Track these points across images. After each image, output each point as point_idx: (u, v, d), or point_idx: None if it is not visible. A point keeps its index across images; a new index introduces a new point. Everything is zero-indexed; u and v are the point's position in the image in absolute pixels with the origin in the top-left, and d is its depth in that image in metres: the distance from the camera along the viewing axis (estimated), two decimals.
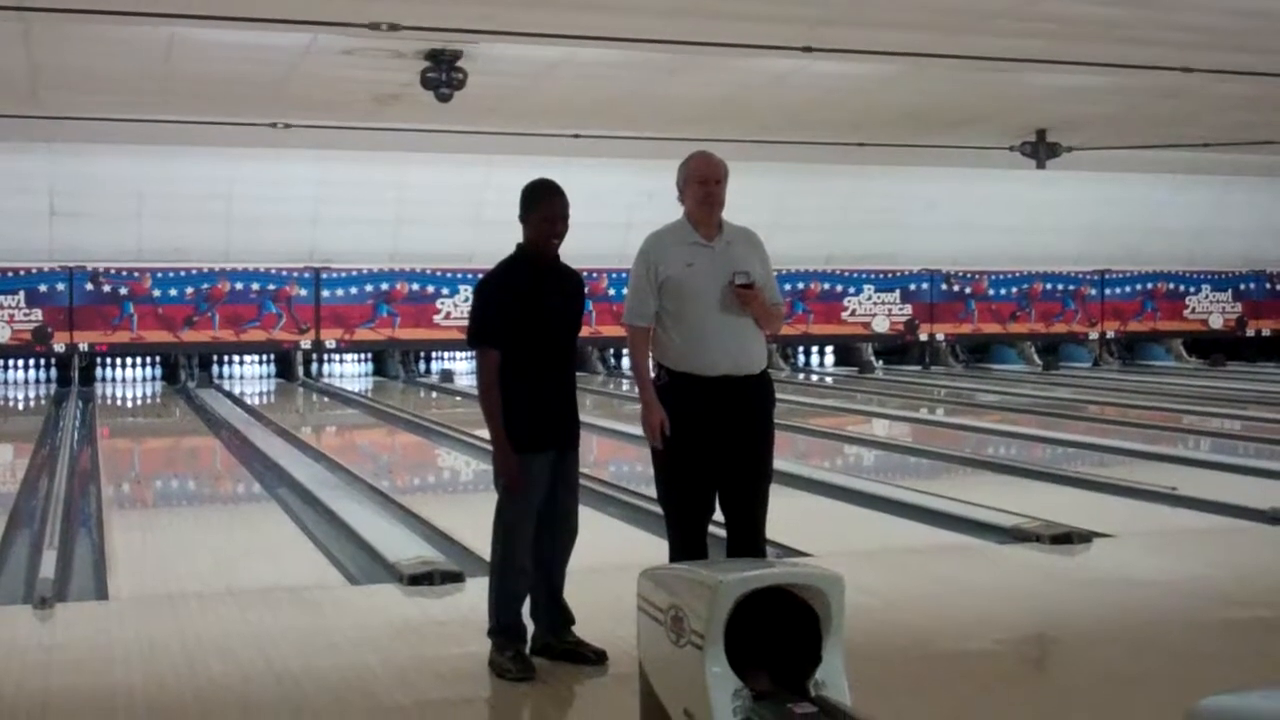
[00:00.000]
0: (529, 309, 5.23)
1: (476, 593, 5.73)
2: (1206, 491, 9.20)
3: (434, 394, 19.14)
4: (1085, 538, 7.62)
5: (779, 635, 3.45)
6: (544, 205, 5.27)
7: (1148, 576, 6.85)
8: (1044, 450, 12.50)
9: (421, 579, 6.57)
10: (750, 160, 19.93)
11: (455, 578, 6.59)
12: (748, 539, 5.25)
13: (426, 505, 9.02)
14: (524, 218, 5.30)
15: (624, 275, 22.32)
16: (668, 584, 3.60)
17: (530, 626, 5.26)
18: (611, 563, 6.18)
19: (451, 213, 19.84)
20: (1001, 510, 8.33)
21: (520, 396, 5.18)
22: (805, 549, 7.32)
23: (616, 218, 18.66)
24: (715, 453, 5.21)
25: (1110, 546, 7.62)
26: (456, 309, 20.21)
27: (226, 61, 12.88)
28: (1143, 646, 5.59)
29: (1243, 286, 24.96)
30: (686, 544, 5.23)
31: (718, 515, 5.32)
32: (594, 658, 5.16)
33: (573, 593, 5.34)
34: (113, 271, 20.10)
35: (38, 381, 20.36)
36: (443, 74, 12.80)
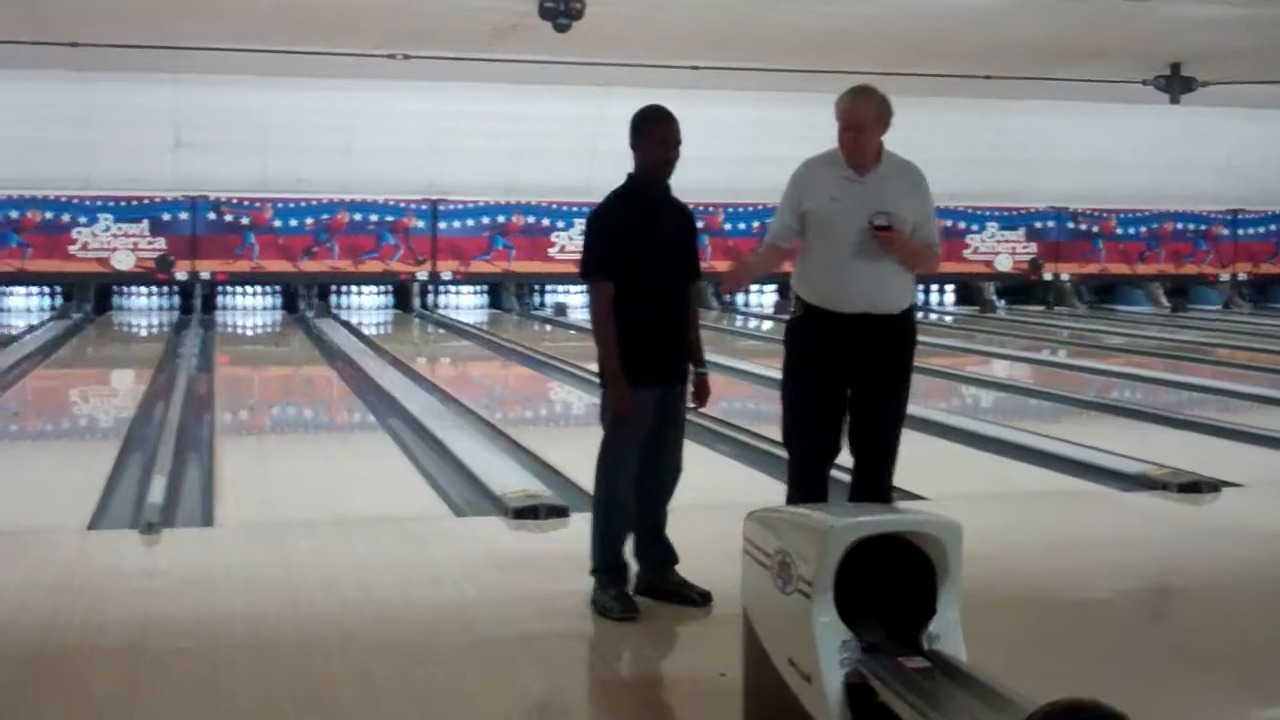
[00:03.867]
0: (641, 241, 5.08)
1: (581, 528, 5.62)
2: None
3: (548, 327, 19.09)
4: (1214, 486, 7.31)
5: (892, 584, 3.27)
6: (656, 131, 5.09)
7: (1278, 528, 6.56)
8: (1171, 395, 12.09)
9: (526, 513, 6.48)
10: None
11: (560, 512, 6.49)
12: (871, 486, 5.06)
13: (536, 439, 8.93)
14: (635, 145, 5.13)
15: (739, 210, 22.04)
16: (776, 528, 3.43)
17: (633, 566, 5.13)
18: (720, 501, 6.02)
19: (567, 145, 19.67)
20: (1126, 456, 8.03)
21: (629, 329, 5.03)
22: (921, 492, 7.11)
23: (733, 152, 18.37)
24: (845, 392, 5.01)
25: (1240, 496, 7.31)
26: (571, 242, 20.04)
27: None
28: (1274, 601, 5.32)
29: None
30: (805, 485, 5.05)
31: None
32: (698, 599, 5.03)
33: (678, 531, 5.20)
34: (235, 201, 20.27)
35: (160, 309, 20.66)
36: (560, 4, 12.62)
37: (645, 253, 5.07)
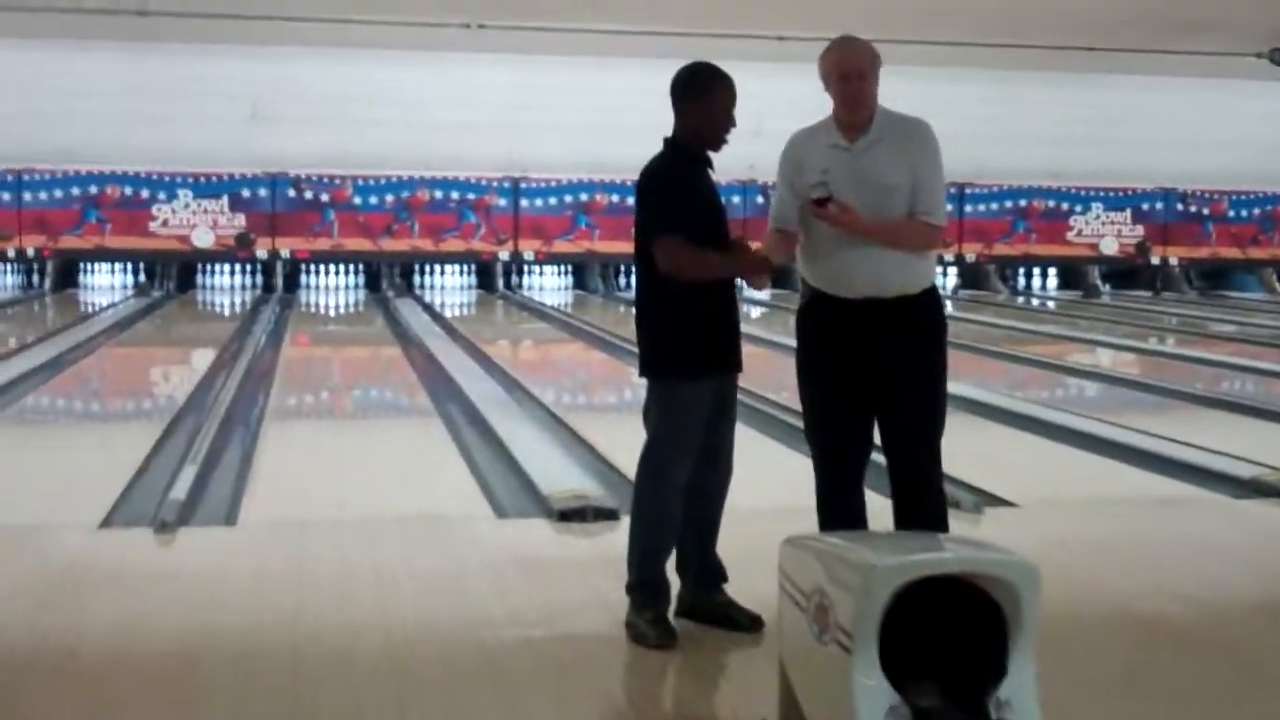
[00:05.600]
0: (703, 208, 4.51)
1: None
2: None
3: (632, 310, 18.51)
4: None
5: (952, 637, 2.67)
6: (720, 95, 4.48)
7: None
8: None
9: (572, 515, 5.94)
10: (968, 66, 18.85)
11: (610, 515, 5.93)
12: (910, 490, 4.43)
13: (599, 431, 8.33)
14: (690, 107, 4.50)
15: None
16: (812, 560, 2.84)
17: (675, 583, 4.55)
18: (776, 504, 5.42)
19: (651, 120, 19.02)
20: (1239, 458, 7.29)
21: (681, 312, 4.45)
22: (1009, 496, 6.48)
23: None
24: (863, 384, 4.40)
25: None
26: None
27: None
28: None
29: None
30: (834, 497, 4.47)
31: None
32: (747, 624, 4.43)
33: (725, 539, 4.60)
34: (314, 178, 19.94)
35: (241, 288, 20.41)
36: None
37: (705, 222, 4.50)
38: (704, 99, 4.48)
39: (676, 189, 4.47)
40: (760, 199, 18.70)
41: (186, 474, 6.73)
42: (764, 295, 16.80)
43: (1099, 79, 19.66)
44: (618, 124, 19.45)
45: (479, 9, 15.21)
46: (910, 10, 14.49)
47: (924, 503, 4.42)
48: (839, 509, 4.46)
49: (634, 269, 4.66)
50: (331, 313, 18.87)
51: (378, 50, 17.93)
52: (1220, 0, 13.94)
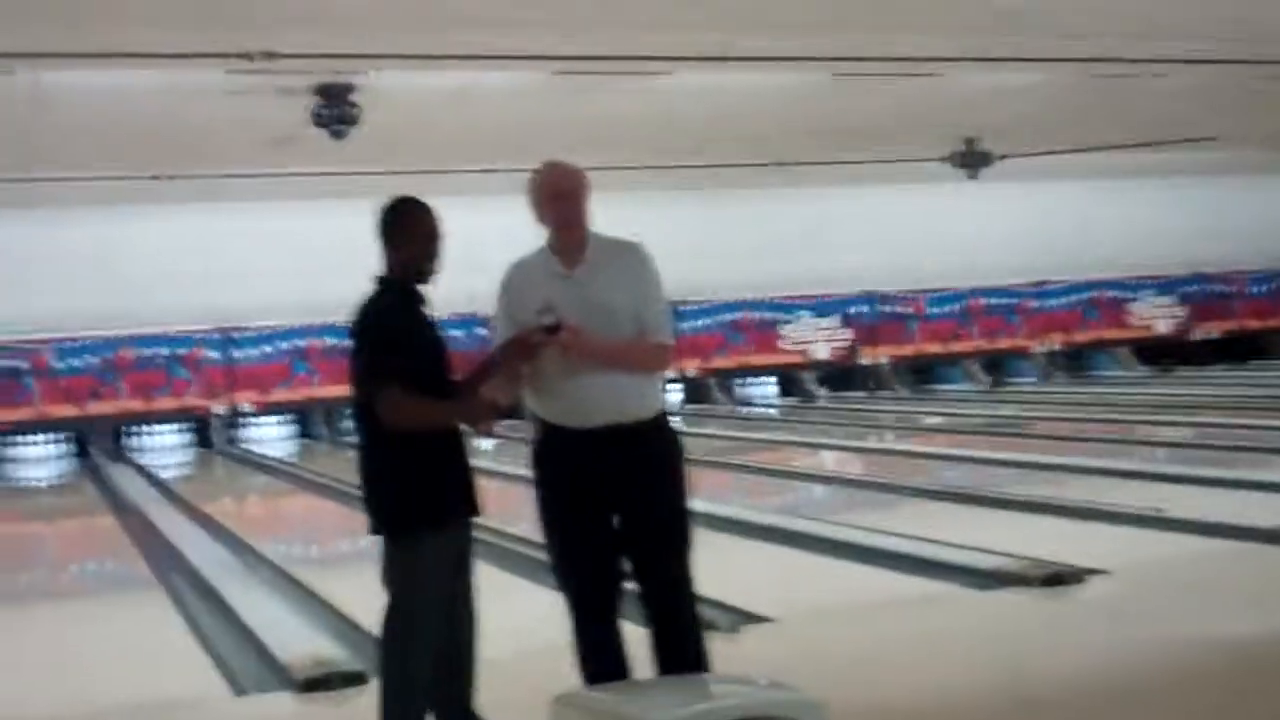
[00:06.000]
0: (421, 349, 4.32)
1: None
2: (1194, 510, 8.37)
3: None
4: (1078, 576, 6.73)
5: None
6: (424, 222, 4.34)
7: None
8: (1005, 474, 11.61)
9: (317, 684, 5.58)
10: (669, 190, 19.21)
11: (357, 679, 5.58)
12: (664, 617, 4.31)
13: (336, 585, 7.97)
14: (395, 240, 4.35)
15: None
16: (588, 719, 2.65)
17: None
18: (530, 645, 5.21)
19: (364, 261, 18.71)
20: (976, 549, 7.43)
21: (411, 461, 4.22)
22: (761, 611, 6.40)
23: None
24: (607, 515, 4.30)
25: (1108, 584, 6.72)
26: None
27: (100, 109, 11.91)
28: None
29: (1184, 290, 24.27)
30: (590, 633, 4.32)
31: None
32: None
33: (485, 693, 4.36)
34: (11, 345, 18.90)
35: None
36: (335, 110, 11.88)
37: (426, 364, 4.31)
38: (408, 230, 4.34)
39: (392, 332, 4.28)
40: (482, 330, 18.56)
41: None
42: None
43: (795, 193, 20.32)
44: (328, 265, 19.12)
45: (170, 160, 14.75)
46: (607, 134, 14.67)
47: (680, 630, 4.30)
48: (598, 648, 4.32)
49: (353, 417, 4.41)
50: (35, 486, 17.79)
51: (68, 208, 17.19)
52: (899, 109, 14.52)
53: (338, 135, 11.78)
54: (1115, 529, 8.25)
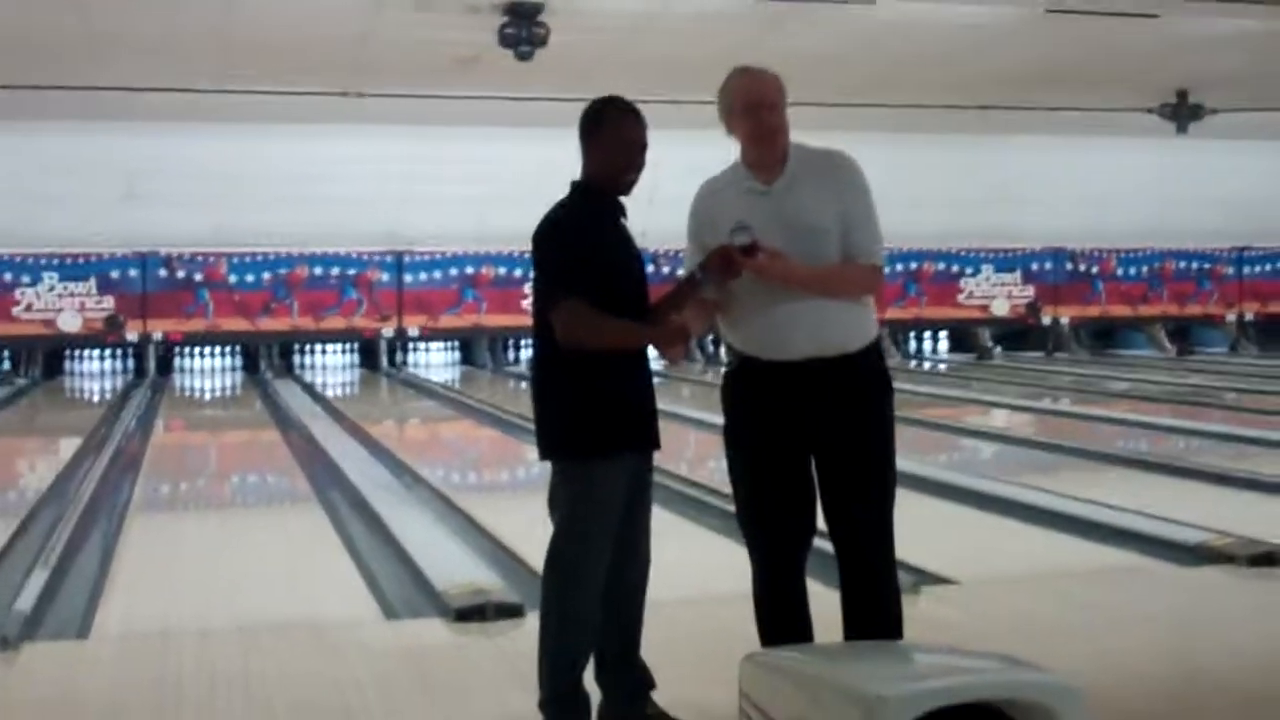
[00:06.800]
0: (613, 263, 3.96)
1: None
2: None
3: (523, 384, 17.93)
4: None
5: None
6: (629, 125, 3.96)
7: None
8: (1196, 444, 10.93)
9: (471, 613, 5.31)
10: (862, 130, 18.62)
11: (513, 612, 5.31)
12: (861, 576, 3.88)
13: (495, 515, 7.70)
14: (592, 145, 3.99)
15: None
16: (789, 687, 2.28)
17: (595, 695, 3.96)
18: (708, 593, 4.87)
19: (538, 191, 18.53)
20: (1179, 522, 6.87)
21: (588, 384, 3.88)
22: (944, 572, 5.96)
23: None
24: (803, 459, 3.86)
25: None
26: None
27: (290, 22, 11.82)
28: None
29: None
30: (775, 588, 3.92)
31: None
32: None
33: (648, 637, 4.03)
34: (186, 257, 19.12)
35: (112, 373, 19.45)
36: (523, 30, 11.60)
37: (616, 280, 3.94)
38: (610, 134, 3.96)
39: (581, 242, 3.92)
40: (652, 267, 18.25)
41: (35, 580, 6.01)
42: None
43: (987, 141, 19.58)
44: (502, 194, 18.99)
45: (357, 78, 14.65)
46: (798, 70, 14.16)
47: (877, 590, 3.89)
48: (782, 603, 3.93)
49: (532, 334, 4.06)
50: (205, 397, 18.01)
51: (254, 123, 17.26)
52: (1110, 55, 13.75)
53: (524, 57, 11.50)
54: None
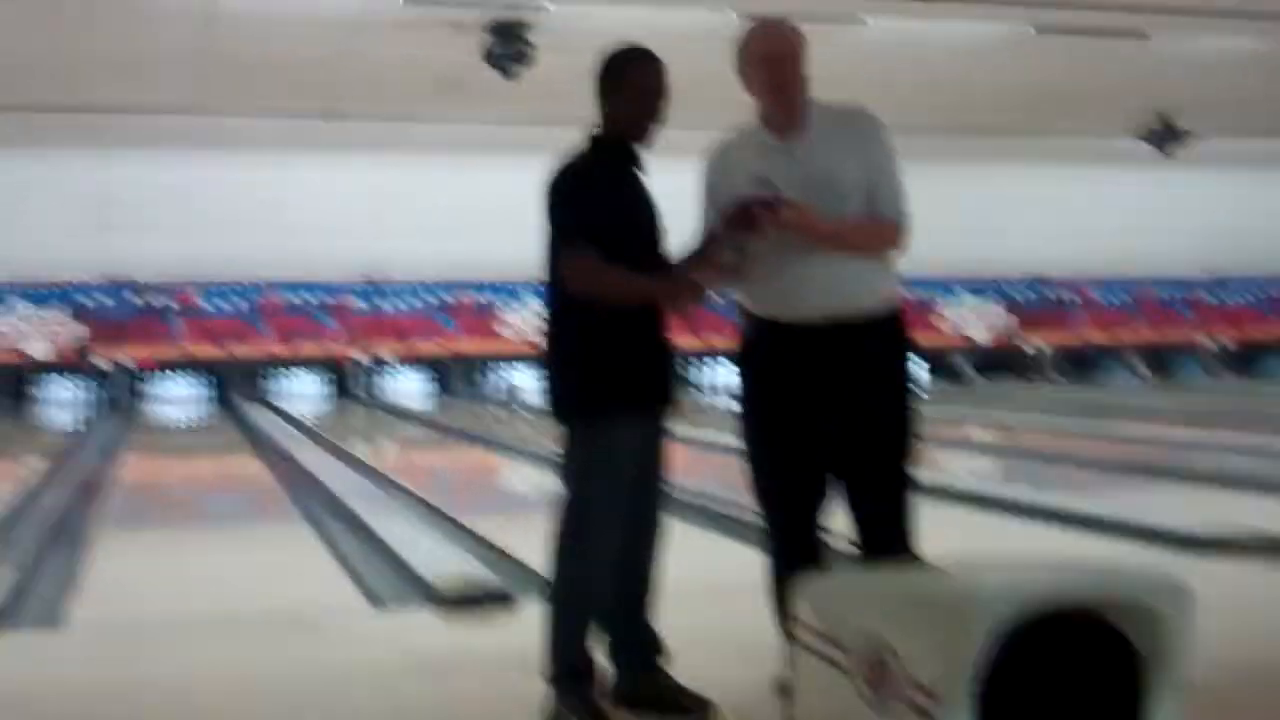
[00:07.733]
0: (625, 216, 3.74)
1: (532, 621, 4.19)
2: None
3: (500, 410, 17.66)
4: None
5: (1071, 689, 1.89)
6: (649, 72, 3.74)
7: None
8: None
9: (463, 602, 5.07)
10: None
11: (506, 600, 5.07)
12: (881, 552, 3.61)
13: (481, 523, 7.44)
14: (609, 94, 3.76)
15: None
16: (855, 606, 2.06)
17: (605, 668, 3.73)
18: (705, 584, 4.64)
19: (514, 219, 18.34)
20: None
21: (606, 336, 3.66)
22: None
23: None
24: (818, 425, 3.64)
25: None
26: (522, 322, 18.74)
27: (272, 39, 11.66)
28: None
29: None
30: (790, 555, 3.67)
31: None
32: (693, 707, 3.62)
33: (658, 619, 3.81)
34: (157, 285, 18.87)
35: (83, 401, 19.09)
36: (509, 47, 11.47)
37: (629, 233, 3.73)
38: (629, 80, 3.74)
39: (594, 189, 3.70)
40: None
41: (3, 575, 5.75)
42: None
43: (968, 167, 19.56)
44: (481, 222, 18.80)
45: (337, 100, 14.49)
46: None
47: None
48: (794, 567, 3.68)
49: (543, 289, 3.82)
50: (176, 424, 17.69)
51: (229, 150, 17.09)
52: (1097, 75, 13.69)
53: (509, 74, 11.36)
54: None
